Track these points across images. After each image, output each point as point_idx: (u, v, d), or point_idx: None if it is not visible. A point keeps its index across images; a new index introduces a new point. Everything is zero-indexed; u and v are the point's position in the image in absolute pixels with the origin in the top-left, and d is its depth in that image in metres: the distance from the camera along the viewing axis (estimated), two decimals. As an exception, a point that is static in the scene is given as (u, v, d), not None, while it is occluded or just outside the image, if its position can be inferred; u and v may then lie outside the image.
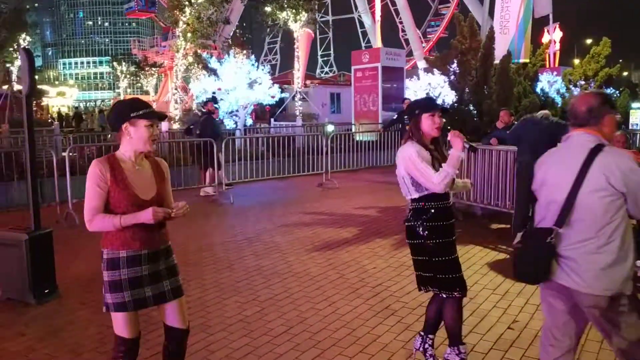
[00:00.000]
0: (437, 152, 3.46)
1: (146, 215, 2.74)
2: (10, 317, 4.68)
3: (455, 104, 9.48)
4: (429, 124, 3.40)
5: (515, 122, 8.49)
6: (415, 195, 3.42)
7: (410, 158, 3.34)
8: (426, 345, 3.67)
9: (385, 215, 8.91)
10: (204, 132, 10.96)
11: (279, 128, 20.41)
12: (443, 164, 3.33)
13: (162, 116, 3.01)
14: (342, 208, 9.58)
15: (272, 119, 22.67)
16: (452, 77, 9.58)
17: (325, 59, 68.99)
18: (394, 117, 14.18)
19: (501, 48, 10.28)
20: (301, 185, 12.63)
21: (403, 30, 51.56)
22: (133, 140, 2.83)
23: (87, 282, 5.51)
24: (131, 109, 2.81)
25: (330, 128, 15.13)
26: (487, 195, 8.07)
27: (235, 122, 16.82)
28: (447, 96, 18.41)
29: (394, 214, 8.92)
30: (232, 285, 5.49)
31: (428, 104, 3.52)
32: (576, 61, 27.23)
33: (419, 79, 23.42)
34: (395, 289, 5.32)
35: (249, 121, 17.66)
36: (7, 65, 33.99)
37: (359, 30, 58.63)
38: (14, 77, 33.88)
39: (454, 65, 9.60)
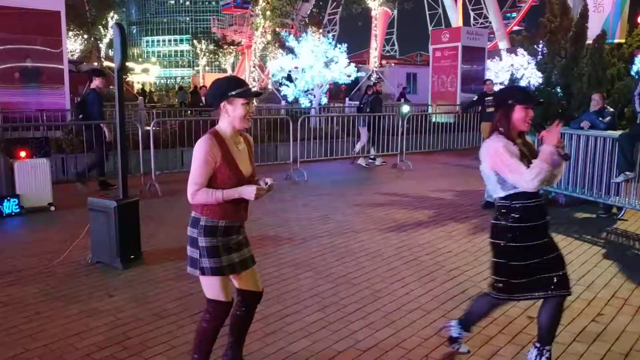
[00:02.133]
0: (525, 148, 3.16)
1: (248, 193, 2.86)
2: (100, 280, 4.97)
3: (542, 86, 9.03)
4: (521, 116, 3.10)
5: (607, 107, 8.01)
6: (502, 194, 3.14)
7: (497, 153, 3.06)
8: (543, 359, 3.29)
9: (461, 199, 8.70)
10: (375, 109, 12.42)
11: (354, 107, 20.32)
12: (533, 160, 3.01)
13: (257, 94, 3.08)
14: (416, 190, 9.44)
15: (346, 99, 22.60)
16: (540, 57, 9.12)
17: (387, 37, 67.60)
18: (474, 99, 13.74)
19: (594, 27, 9.64)
20: (359, 167, 12.55)
21: (475, 19, 49.91)
22: (231, 118, 2.91)
23: (170, 251, 5.76)
24: (229, 88, 2.89)
25: (406, 109, 14.89)
26: (573, 183, 7.68)
27: (311, 101, 16.91)
28: (532, 77, 17.63)
29: (470, 198, 8.69)
30: (306, 261, 5.56)
31: (525, 95, 3.20)
32: (675, 43, 25.23)
33: (501, 59, 22.52)
34: (472, 274, 5.20)
35: (324, 100, 17.70)
36: (97, 41, 35.71)
37: (427, 13, 57.25)
38: (102, 53, 35.58)
39: (542, 45, 9.13)
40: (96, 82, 9.23)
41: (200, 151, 2.86)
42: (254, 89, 18.23)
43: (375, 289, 4.78)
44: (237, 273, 3.06)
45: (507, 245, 3.15)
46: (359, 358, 3.56)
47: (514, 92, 3.35)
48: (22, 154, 7.57)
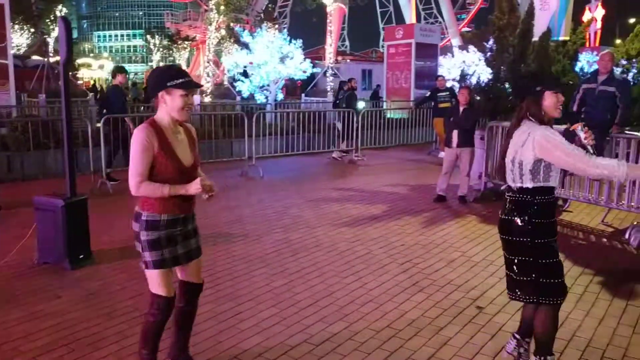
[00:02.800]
0: None
1: (195, 188, 2.84)
2: (47, 281, 4.82)
3: (491, 82, 9.27)
4: (553, 102, 3.03)
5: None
6: (529, 185, 3.02)
7: (548, 140, 2.93)
8: (521, 350, 3.32)
9: (415, 194, 8.84)
10: (350, 105, 12.86)
11: (310, 103, 20.34)
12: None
13: (197, 86, 3.04)
14: (371, 185, 9.54)
15: (302, 95, 22.60)
16: (489, 54, 9.36)
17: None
18: (427, 95, 13.96)
19: (540, 25, 9.99)
20: (330, 161, 12.62)
21: (425, 19, 50.72)
22: (168, 108, 2.88)
23: (120, 249, 5.64)
24: (168, 78, 2.84)
25: (361, 105, 15.00)
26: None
27: (266, 97, 16.83)
28: (482, 74, 18.05)
29: (423, 193, 8.84)
30: (261, 257, 5.55)
31: (553, 81, 3.17)
32: (618, 41, 26.32)
33: (453, 56, 22.95)
34: (424, 267, 5.30)
35: (280, 96, 17.65)
36: (44, 36, 34.50)
37: (378, 10, 57.97)
38: (50, 48, 34.39)
39: (491, 42, 9.37)
40: (118, 78, 9.78)
41: (137, 139, 2.81)
42: (208, 85, 18.12)
43: (329, 284, 4.82)
44: (180, 264, 3.04)
45: (533, 242, 3.05)
46: (312, 352, 3.58)
47: (538, 77, 3.30)
48: (-37, 152, 7.26)
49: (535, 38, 9.55)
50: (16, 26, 33.71)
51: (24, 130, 10.03)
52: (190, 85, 2.88)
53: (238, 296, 4.51)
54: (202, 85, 3.13)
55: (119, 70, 10.15)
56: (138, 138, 2.81)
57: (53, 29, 36.09)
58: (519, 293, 3.17)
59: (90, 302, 4.35)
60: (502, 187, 3.27)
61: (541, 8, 11.16)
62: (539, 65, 8.91)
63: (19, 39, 36.42)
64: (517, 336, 3.36)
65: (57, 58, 29.24)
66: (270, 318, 4.09)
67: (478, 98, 9.41)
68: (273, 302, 4.41)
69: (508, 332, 3.88)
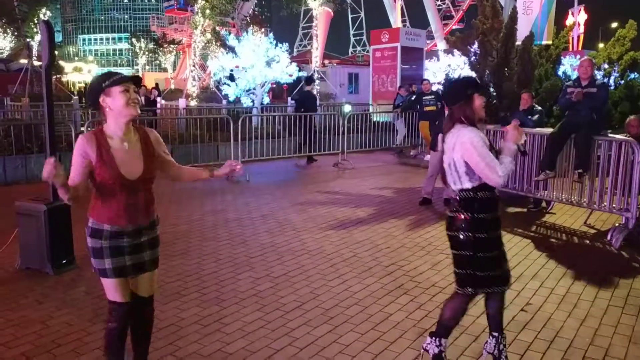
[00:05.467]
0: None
1: (45, 173, 2.56)
2: (29, 286, 4.77)
3: (475, 85, 9.37)
4: (480, 103, 3.16)
5: (536, 105, 8.36)
6: (468, 185, 3.13)
7: (473, 144, 3.03)
8: (501, 346, 3.37)
9: (400, 197, 8.88)
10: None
11: (290, 107, 20.33)
12: (500, 156, 3.07)
13: (135, 79, 2.90)
14: (357, 188, 9.57)
15: (289, 98, 22.60)
16: (473, 58, 9.44)
17: (357, 38, 68.25)
18: (412, 98, 14.04)
19: (523, 29, 10.08)
20: (317, 164, 12.63)
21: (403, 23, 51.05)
22: (114, 111, 2.78)
23: (104, 254, 5.58)
24: (102, 80, 2.78)
25: (347, 108, 15.06)
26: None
27: (252, 101, 16.82)
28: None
29: (409, 195, 8.88)
30: (246, 260, 5.54)
31: (477, 82, 3.26)
32: (601, 45, 26.67)
33: (438, 60, 23.13)
34: (409, 269, 5.32)
35: (266, 100, 17.64)
36: (28, 40, 34.21)
37: (349, 16, 58.21)
38: (34, 52, 34.10)
39: (475, 46, 9.45)
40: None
41: (76, 147, 2.79)
42: (194, 88, 18.06)
43: (314, 287, 4.82)
44: (128, 277, 2.94)
45: (472, 236, 3.15)
46: (297, 356, 3.58)
47: (468, 82, 3.32)
48: (-56, 157, 7.16)
49: (519, 42, 9.64)
50: (-1, 29, 33.38)
51: (7, 135, 9.93)
52: (124, 79, 2.79)
53: (223, 300, 4.50)
54: (140, 79, 3.06)
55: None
56: (76, 146, 2.78)
57: (37, 33, 35.81)
58: (469, 289, 3.25)
59: (73, 308, 4.31)
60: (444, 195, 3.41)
61: (524, 12, 11.28)
62: (523, 69, 9.00)
63: (2, 42, 36.09)
64: (495, 334, 3.41)
65: (38, 63, 29.04)
66: (255, 322, 4.08)
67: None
68: (258, 305, 4.40)
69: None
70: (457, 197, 3.22)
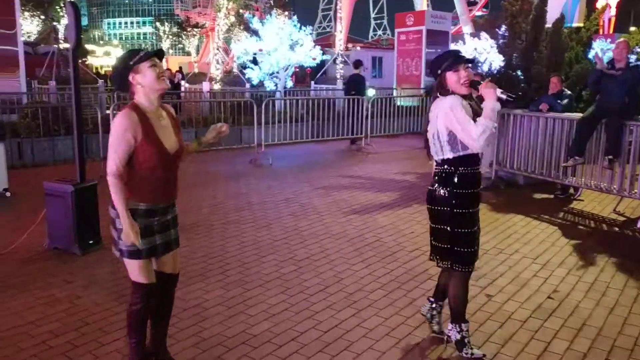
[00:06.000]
0: (477, 108, 3.17)
1: (126, 235, 2.74)
2: (57, 266, 4.86)
3: (503, 69, 9.15)
4: (454, 80, 3.11)
5: (565, 89, 8.17)
6: (449, 156, 3.13)
7: (452, 108, 3.03)
8: (434, 312, 3.61)
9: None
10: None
11: (319, 91, 20.25)
12: (477, 118, 3.04)
13: (159, 52, 2.88)
14: (381, 173, 9.50)
15: (312, 82, 22.51)
16: (501, 41, 9.23)
17: (378, 21, 67.69)
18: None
19: (554, 11, 9.84)
20: (339, 148, 12.58)
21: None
22: (145, 87, 2.77)
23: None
24: (129, 59, 2.77)
25: (371, 92, 14.91)
26: (532, 164, 7.84)
27: (276, 84, 16.78)
28: (494, 61, 17.84)
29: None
30: (270, 243, 5.54)
31: (452, 59, 3.16)
32: (632, 28, 25.91)
33: (464, 43, 22.71)
34: (433, 254, 5.26)
35: (289, 83, 17.58)
36: (54, 23, 34.57)
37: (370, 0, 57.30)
38: (60, 35, 34.47)
39: (503, 29, 9.24)
40: (357, 70, 12.86)
41: (120, 126, 2.71)
42: (218, 72, 18.10)
43: (338, 271, 4.81)
44: (157, 256, 2.96)
45: (450, 211, 3.19)
46: (320, 339, 3.58)
47: (440, 60, 3.24)
48: (-26, 138, 7.29)
49: (549, 24, 9.39)
50: (26, 13, 33.79)
51: (34, 117, 10.07)
52: (151, 54, 2.80)
53: (247, 282, 4.51)
54: (163, 51, 3.07)
55: (359, 63, 12.24)
56: (121, 124, 2.71)
57: (63, 16, 36.21)
58: (437, 258, 3.39)
59: (99, 287, 4.37)
60: (429, 162, 3.37)
61: (554, -6, 11.03)
62: (552, 52, 8.78)
63: (29, 26, 36.55)
64: (432, 299, 3.60)
65: (66, 45, 29.38)
66: (278, 304, 4.09)
67: (472, 72, 9.28)
68: (282, 288, 4.40)
69: (517, 320, 3.87)
70: (436, 170, 3.27)
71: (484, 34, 19.52)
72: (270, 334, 3.64)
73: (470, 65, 3.25)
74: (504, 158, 8.28)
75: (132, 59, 2.76)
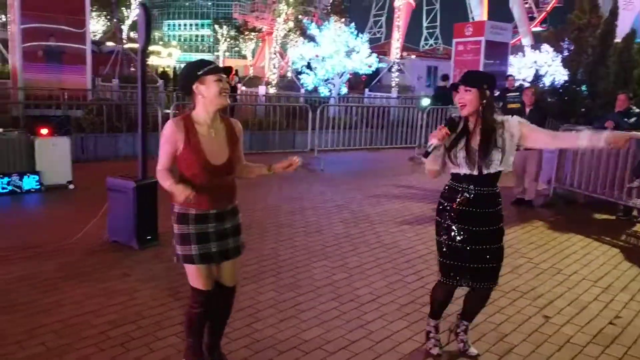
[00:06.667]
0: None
1: (178, 194, 2.73)
2: (116, 259, 5.01)
3: (567, 84, 8.87)
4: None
5: (633, 107, 7.85)
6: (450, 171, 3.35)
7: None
8: (458, 330, 3.64)
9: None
10: None
11: (373, 98, 20.19)
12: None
13: (226, 70, 2.97)
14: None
15: (366, 89, 22.48)
16: (566, 54, 8.95)
17: (430, 31, 67.26)
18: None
19: (624, 25, 9.47)
20: (392, 157, 12.49)
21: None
22: (206, 99, 2.84)
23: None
24: (197, 69, 2.84)
25: (425, 102, 14.75)
26: (593, 183, 7.56)
27: (330, 90, 16.84)
28: (554, 75, 17.37)
29: (489, 194, 8.59)
30: (321, 249, 5.55)
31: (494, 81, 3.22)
32: None
33: (524, 55, 22.20)
34: (488, 270, 5.14)
35: (344, 90, 17.61)
36: (119, 23, 35.85)
37: (424, 9, 56.62)
38: (124, 34, 35.72)
39: (567, 42, 8.95)
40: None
41: (166, 131, 2.86)
42: (274, 76, 18.31)
43: (390, 281, 4.76)
44: (214, 263, 2.98)
45: (435, 219, 3.42)
46: (372, 349, 3.55)
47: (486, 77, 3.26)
48: (44, 131, 7.63)
49: (618, 39, 9.06)
50: (93, 13, 35.18)
51: (98, 113, 10.45)
52: (219, 69, 2.87)
53: (299, 286, 4.53)
54: (231, 68, 3.15)
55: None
56: (165, 131, 2.86)
57: (127, 17, 37.54)
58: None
59: (156, 282, 4.48)
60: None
61: (625, 8, 10.57)
62: (621, 68, 8.46)
63: (95, 25, 38.04)
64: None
65: (130, 45, 30.43)
66: (330, 311, 4.08)
67: (550, 100, 9.06)
68: (333, 295, 4.40)
69: (577, 345, 3.73)
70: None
71: (545, 47, 19.04)
72: (321, 340, 3.63)
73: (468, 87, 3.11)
74: (564, 175, 8.02)
75: (201, 69, 2.83)
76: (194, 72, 2.84)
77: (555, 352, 3.65)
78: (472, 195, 3.18)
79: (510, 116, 3.22)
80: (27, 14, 11.68)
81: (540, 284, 4.86)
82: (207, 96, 2.83)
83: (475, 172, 3.12)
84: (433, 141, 3.09)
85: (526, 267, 5.30)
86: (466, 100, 3.08)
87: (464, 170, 3.15)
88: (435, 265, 5.15)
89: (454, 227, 3.25)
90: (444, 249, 3.32)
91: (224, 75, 2.89)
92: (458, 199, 3.21)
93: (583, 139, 2.94)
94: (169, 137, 2.83)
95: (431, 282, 4.72)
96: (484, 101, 3.08)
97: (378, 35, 54.74)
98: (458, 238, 3.24)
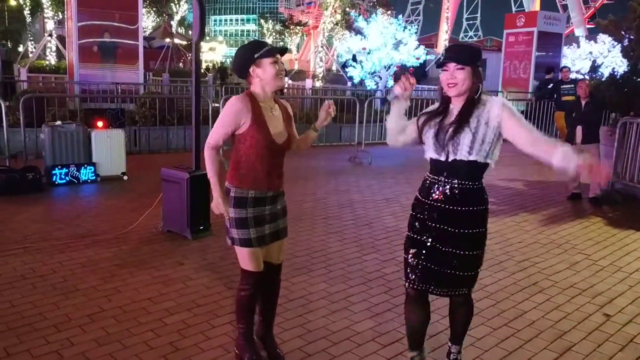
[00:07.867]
0: None
1: (215, 204, 2.91)
2: (170, 248, 5.12)
3: (627, 75, 8.51)
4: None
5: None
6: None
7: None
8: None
9: (531, 190, 8.40)
10: None
11: (420, 91, 19.93)
12: None
13: (282, 50, 2.96)
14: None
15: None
16: (626, 43, 8.58)
17: (470, 22, 66.00)
18: (549, 87, 13.15)
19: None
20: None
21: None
22: (263, 81, 2.85)
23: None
24: (253, 51, 2.84)
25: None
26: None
27: (377, 83, 16.73)
28: (609, 67, 16.70)
29: (541, 189, 8.37)
30: (371, 242, 5.52)
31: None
32: None
33: (578, 46, 21.45)
34: (544, 266, 5.01)
35: (390, 83, 17.46)
36: (169, 18, 36.61)
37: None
38: (172, 30, 36.46)
39: (629, 31, 8.57)
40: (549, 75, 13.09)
41: (232, 107, 2.83)
42: (321, 69, 18.30)
43: (442, 275, 4.68)
44: (267, 244, 3.01)
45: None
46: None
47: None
48: (100, 124, 7.86)
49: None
50: (144, 9, 36.00)
51: (150, 107, 10.70)
52: (275, 50, 2.87)
53: (349, 279, 4.52)
54: (287, 49, 3.16)
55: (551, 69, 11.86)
56: (232, 106, 2.83)
57: (176, 12, 38.29)
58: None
59: (209, 271, 4.55)
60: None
61: (690, -6, 10.08)
62: (687, 57, 8.06)
63: (146, 21, 38.93)
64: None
65: (178, 41, 30.98)
66: (382, 304, 4.06)
67: (607, 92, 8.72)
68: (384, 288, 4.36)
69: (641, 345, 3.58)
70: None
71: (601, 37, 18.33)
72: (373, 332, 3.61)
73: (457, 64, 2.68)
74: (622, 169, 7.72)
75: (257, 51, 2.84)
76: (250, 55, 2.85)
77: (617, 351, 3.51)
78: (442, 188, 2.79)
79: (496, 95, 2.88)
80: (83, 10, 12.05)
81: (599, 281, 4.69)
82: (264, 78, 2.85)
83: (442, 158, 2.74)
84: (396, 90, 2.85)
85: (584, 264, 5.12)
86: (458, 79, 2.65)
87: (430, 153, 2.80)
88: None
89: (419, 220, 2.91)
90: (407, 244, 2.93)
91: (279, 56, 2.91)
92: (429, 192, 2.87)
93: (557, 155, 2.52)
94: (237, 112, 2.82)
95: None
96: (478, 83, 2.70)
97: (416, 23, 54.04)
98: (421, 232, 2.87)
